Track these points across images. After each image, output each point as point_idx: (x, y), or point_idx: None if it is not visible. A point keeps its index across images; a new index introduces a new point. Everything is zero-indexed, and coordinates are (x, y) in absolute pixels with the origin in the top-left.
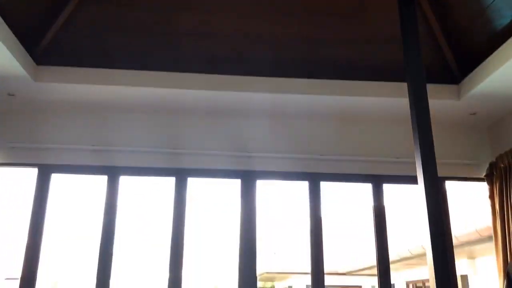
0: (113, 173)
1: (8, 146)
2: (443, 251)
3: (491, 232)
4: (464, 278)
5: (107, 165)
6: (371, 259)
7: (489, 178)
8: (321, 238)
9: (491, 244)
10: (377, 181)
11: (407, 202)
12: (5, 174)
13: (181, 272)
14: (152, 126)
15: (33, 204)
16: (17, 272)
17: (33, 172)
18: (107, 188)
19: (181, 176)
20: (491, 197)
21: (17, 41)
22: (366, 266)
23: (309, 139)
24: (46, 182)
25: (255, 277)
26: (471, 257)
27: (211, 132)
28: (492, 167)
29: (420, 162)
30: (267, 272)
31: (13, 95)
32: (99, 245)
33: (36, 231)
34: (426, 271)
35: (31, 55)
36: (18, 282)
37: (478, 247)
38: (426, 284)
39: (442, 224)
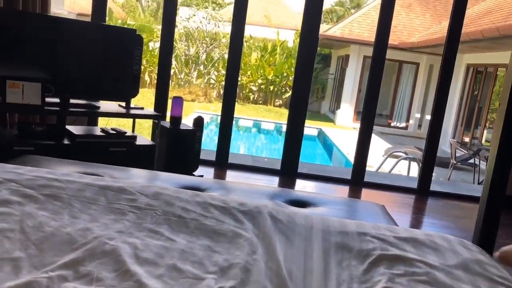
0: None
1: None
2: None
3: None
4: None
5: None
6: (437, 35)
7: None
8: (392, 9)
9: None
10: None
11: None
12: None
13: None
14: None
15: None
16: None
17: None
18: None
19: None
20: None
21: None
22: (429, 44)
23: None
24: None
25: (317, 40)
26: None
27: None
28: None
29: None
30: (326, 38)
31: None
32: None
33: None
34: (492, 57)
35: None
36: None
37: None
38: (488, 69)
39: None
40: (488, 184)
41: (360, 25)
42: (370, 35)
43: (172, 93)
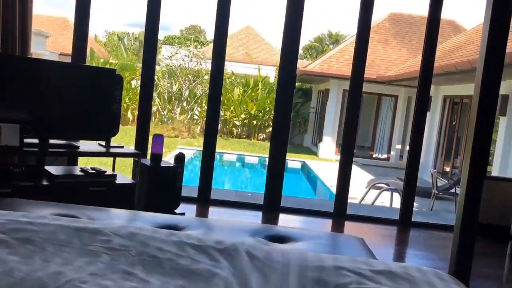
0: None
1: None
2: (496, 69)
3: None
4: (505, 98)
5: None
6: (414, 69)
7: None
8: (367, 44)
9: None
10: None
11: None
12: None
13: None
14: None
15: None
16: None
17: None
18: None
19: None
20: None
21: None
22: (406, 77)
23: None
24: None
25: (295, 76)
26: None
27: None
28: None
29: None
30: (306, 74)
31: None
32: None
33: None
34: (466, 88)
35: None
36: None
37: None
38: (464, 100)
39: (503, 39)
40: (461, 213)
41: (339, 60)
42: (348, 69)
43: (156, 130)
